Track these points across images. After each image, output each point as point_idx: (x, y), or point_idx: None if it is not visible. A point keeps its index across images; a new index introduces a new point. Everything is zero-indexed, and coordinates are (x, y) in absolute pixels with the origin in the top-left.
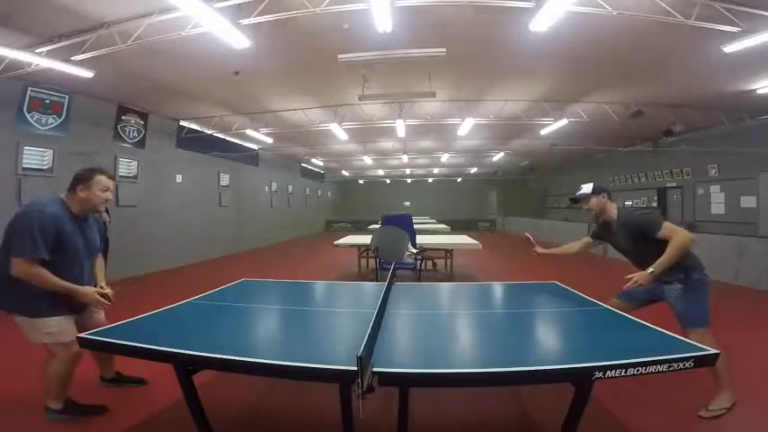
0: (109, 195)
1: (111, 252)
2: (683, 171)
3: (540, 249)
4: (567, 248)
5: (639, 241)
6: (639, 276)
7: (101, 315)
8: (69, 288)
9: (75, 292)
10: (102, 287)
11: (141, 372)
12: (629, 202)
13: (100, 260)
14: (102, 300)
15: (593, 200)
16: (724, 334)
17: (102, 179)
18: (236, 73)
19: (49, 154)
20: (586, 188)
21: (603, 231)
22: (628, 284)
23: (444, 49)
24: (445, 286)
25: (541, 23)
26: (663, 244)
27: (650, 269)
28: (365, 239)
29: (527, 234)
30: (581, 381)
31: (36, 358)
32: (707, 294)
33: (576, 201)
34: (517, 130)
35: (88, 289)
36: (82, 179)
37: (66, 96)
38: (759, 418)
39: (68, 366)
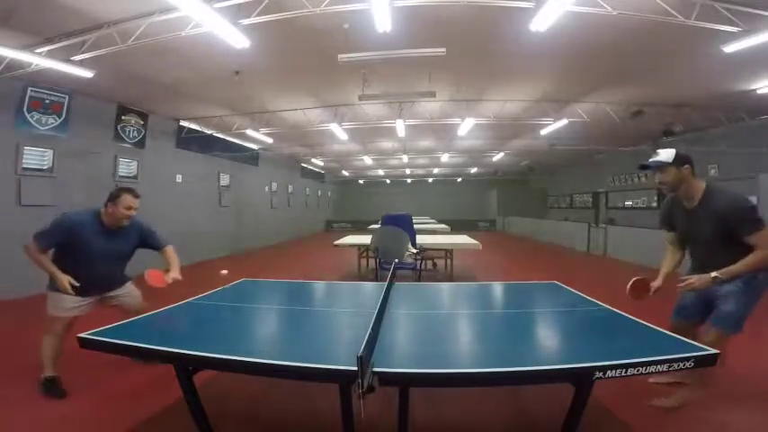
0: (132, 212)
1: None
2: None
3: (655, 284)
4: (670, 263)
5: (722, 235)
6: (699, 280)
7: (132, 299)
8: (52, 271)
9: (54, 275)
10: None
11: (142, 371)
12: (629, 202)
13: (170, 251)
14: (68, 288)
15: (673, 171)
16: None
17: (127, 198)
18: (237, 73)
19: (49, 154)
20: (665, 154)
21: (673, 212)
22: (681, 285)
23: (444, 49)
24: (445, 286)
25: (541, 23)
26: (746, 248)
27: (714, 274)
28: (365, 239)
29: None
30: (581, 381)
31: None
32: (760, 297)
33: (647, 168)
34: (517, 130)
35: (63, 276)
36: (111, 197)
37: (67, 96)
38: None
39: (52, 339)
